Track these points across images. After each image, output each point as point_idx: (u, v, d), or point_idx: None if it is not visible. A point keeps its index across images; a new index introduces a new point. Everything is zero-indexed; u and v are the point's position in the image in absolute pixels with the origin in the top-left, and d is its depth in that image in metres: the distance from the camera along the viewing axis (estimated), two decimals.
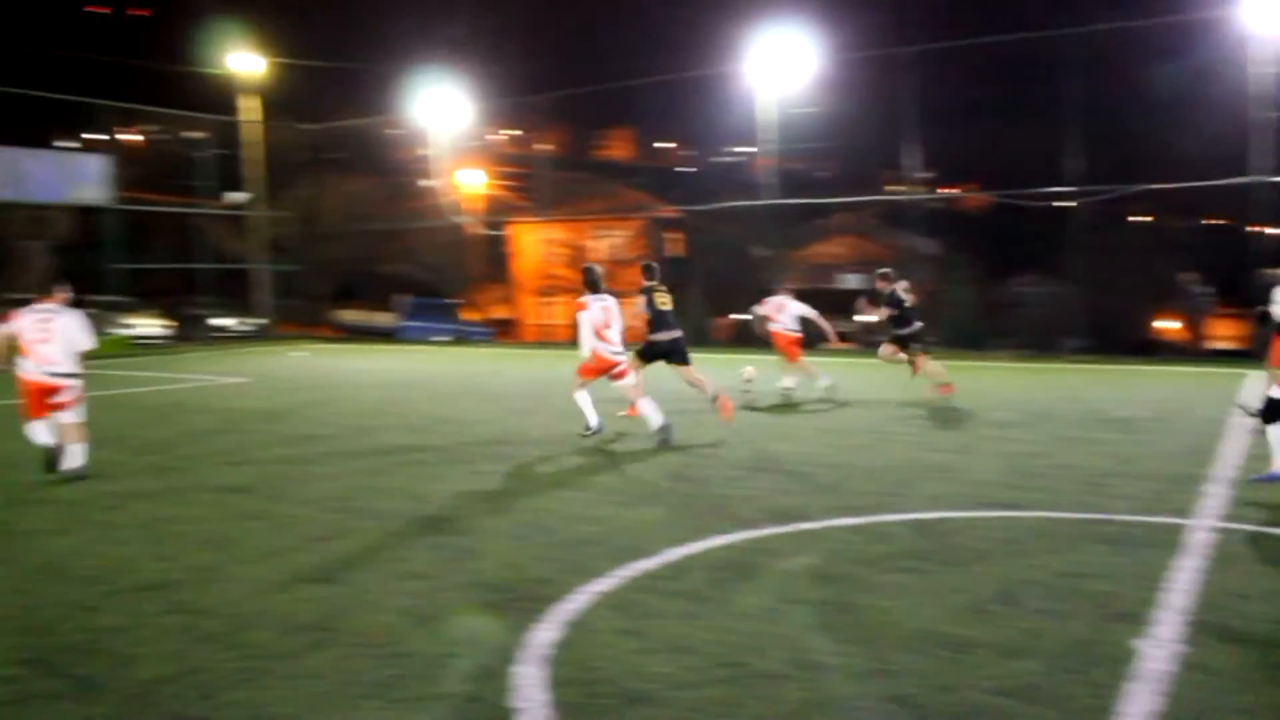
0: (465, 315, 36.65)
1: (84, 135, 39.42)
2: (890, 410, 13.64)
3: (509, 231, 38.10)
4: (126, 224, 33.29)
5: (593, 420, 11.40)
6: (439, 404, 15.30)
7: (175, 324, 34.14)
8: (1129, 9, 25.12)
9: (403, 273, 36.87)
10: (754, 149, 31.49)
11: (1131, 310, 26.29)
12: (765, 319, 16.19)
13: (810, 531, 7.15)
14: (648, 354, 12.39)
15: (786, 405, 14.37)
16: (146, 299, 34.99)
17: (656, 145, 60.08)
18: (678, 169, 56.87)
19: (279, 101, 39.46)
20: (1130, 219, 32.39)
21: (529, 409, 14.48)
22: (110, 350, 28.82)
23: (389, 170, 39.44)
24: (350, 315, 38.79)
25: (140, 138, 55.96)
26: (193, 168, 36.97)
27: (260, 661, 4.83)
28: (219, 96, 38.48)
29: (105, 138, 34.36)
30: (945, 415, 13.11)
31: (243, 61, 35.91)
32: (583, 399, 11.47)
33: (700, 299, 33.86)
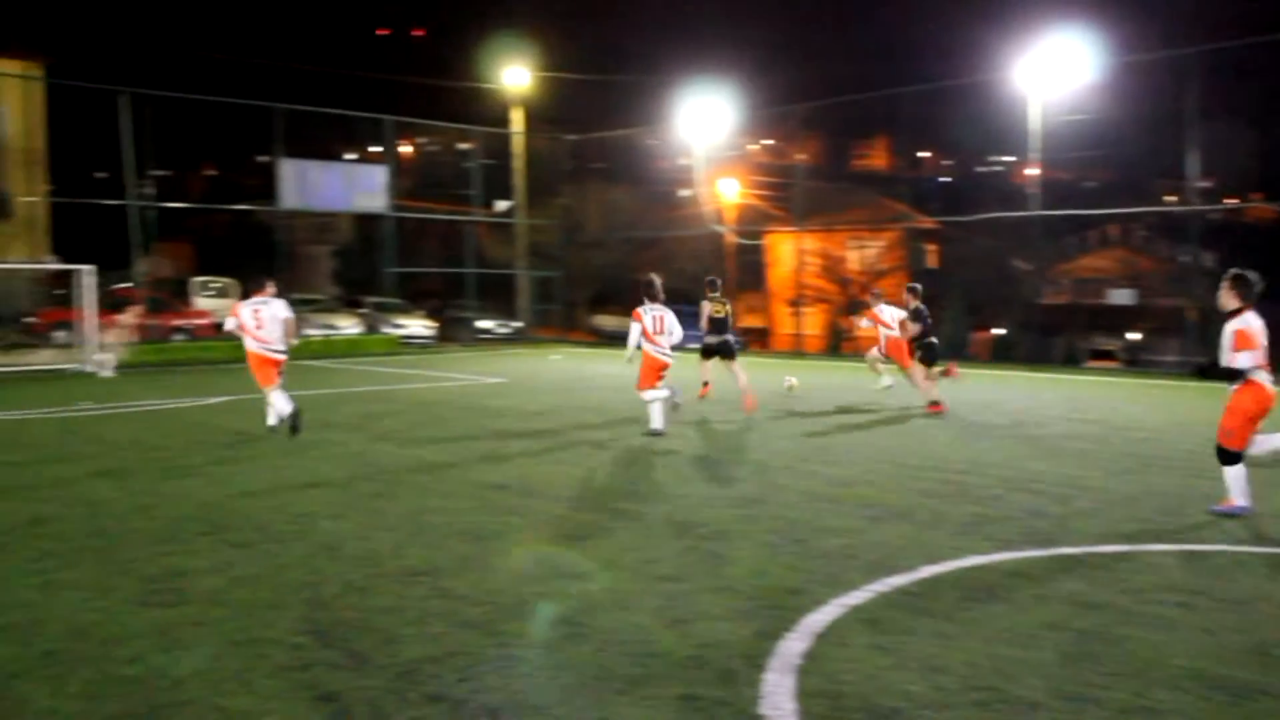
0: None
1: (368, 148, 41.99)
2: (1158, 436, 12.88)
3: (765, 241, 38.13)
4: (400, 230, 35.24)
5: (656, 422, 12.56)
6: (688, 411, 15.46)
7: (438, 325, 35.94)
8: None
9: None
10: (1014, 157, 30.38)
11: None
12: (878, 325, 16.82)
13: (1070, 556, 6.84)
14: (704, 352, 15.54)
15: (1042, 424, 13.78)
16: (413, 300, 37.01)
17: (914, 154, 58.85)
18: (937, 179, 55.48)
19: (543, 112, 40.95)
20: None
21: (778, 418, 14.46)
22: (381, 348, 30.65)
23: (649, 179, 40.17)
24: (605, 320, 39.75)
25: (411, 149, 59.14)
26: (462, 177, 38.83)
27: (517, 650, 5.03)
28: (485, 108, 40.30)
29: (380, 149, 36.43)
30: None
31: (512, 75, 37.46)
32: (655, 408, 12.59)
33: (959, 313, 32.92)
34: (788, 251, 35.36)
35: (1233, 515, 7.99)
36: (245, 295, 12.95)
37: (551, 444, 11.98)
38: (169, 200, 34.35)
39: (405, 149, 55.70)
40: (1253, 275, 7.93)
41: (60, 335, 26.87)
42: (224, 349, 26.75)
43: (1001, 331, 32.76)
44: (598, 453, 11.29)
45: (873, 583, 6.15)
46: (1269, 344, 7.96)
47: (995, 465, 10.43)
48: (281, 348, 12.34)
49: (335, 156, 40.06)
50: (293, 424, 12.28)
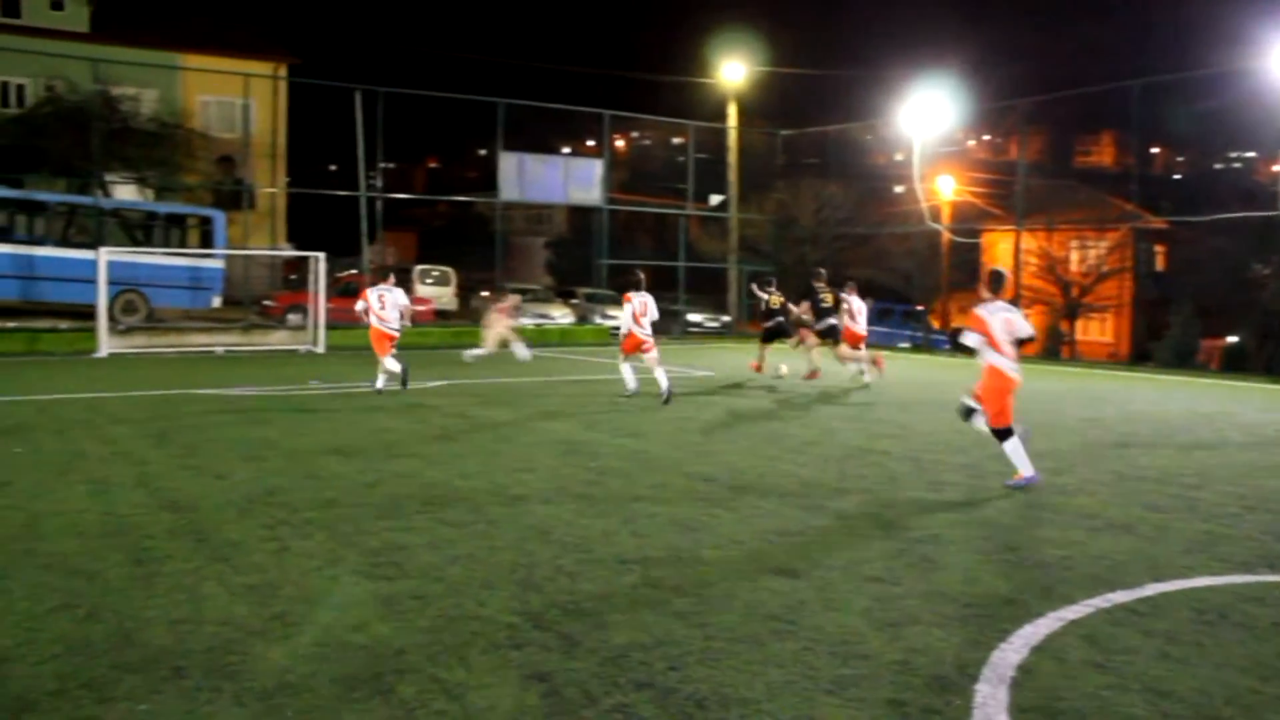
0: (931, 323, 36.17)
1: (585, 142, 42.87)
2: None
3: (983, 240, 37.05)
4: (614, 222, 35.77)
5: (630, 385, 15.75)
6: (896, 410, 15.19)
7: None
8: None
9: (870, 277, 36.88)
10: (1255, 153, 28.53)
11: None
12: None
13: None
14: (764, 336, 19.84)
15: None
16: (623, 292, 37.47)
17: (1144, 150, 56.21)
18: (1170, 176, 52.76)
19: (758, 107, 40.81)
20: None
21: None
22: (592, 338, 31.24)
23: (863, 175, 39.54)
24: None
25: (624, 143, 59.98)
26: (675, 171, 39.15)
27: (725, 643, 5.03)
28: (699, 102, 40.48)
29: (594, 143, 37.11)
30: None
31: (729, 70, 37.51)
32: (626, 369, 15.79)
33: (1187, 318, 31.21)
34: (1005, 251, 34.28)
35: (1026, 487, 9.09)
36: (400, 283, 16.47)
37: (759, 439, 11.96)
38: (394, 191, 35.91)
39: (618, 142, 56.52)
40: (1003, 270, 9.74)
41: (294, 318, 28.47)
42: (440, 335, 27.82)
43: (1234, 339, 30.92)
44: (806, 450, 11.20)
45: (1093, 597, 5.90)
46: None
47: (1228, 481, 9.83)
48: (396, 327, 15.48)
49: (551, 150, 41.03)
50: (403, 380, 15.54)
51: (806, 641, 5.08)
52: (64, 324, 25.43)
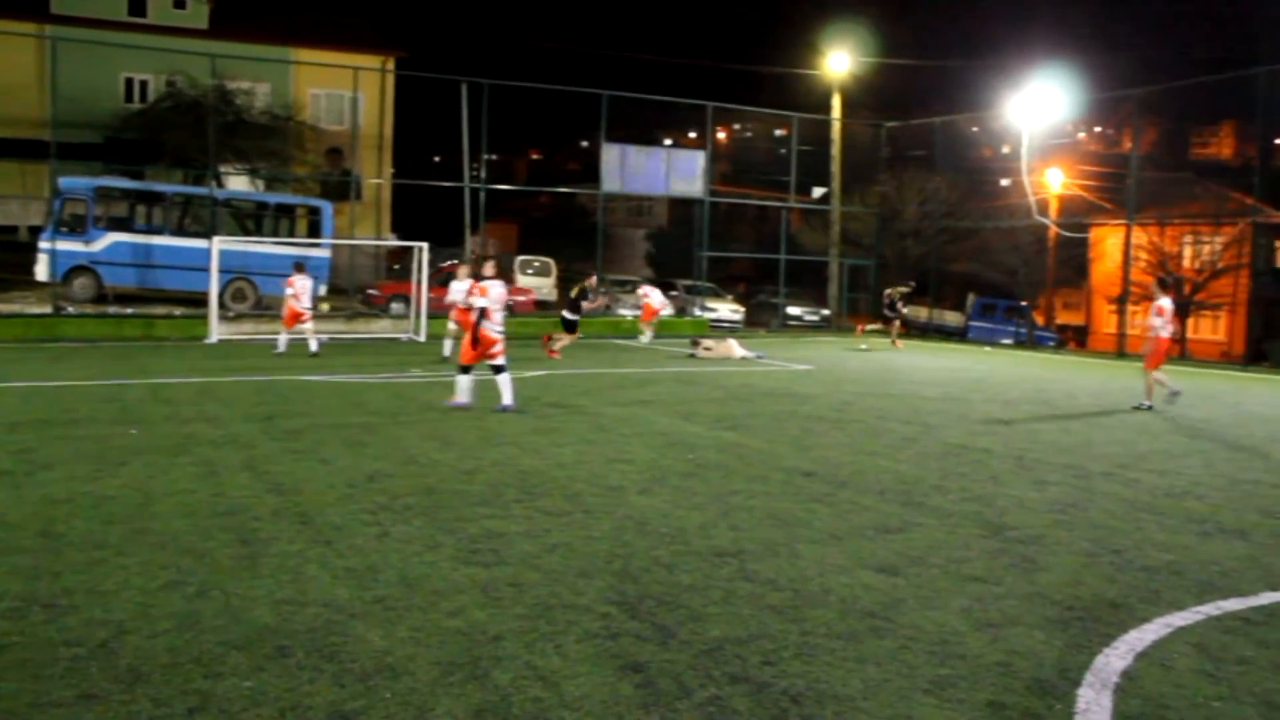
0: (1035, 319, 35.47)
1: (686, 134, 42.76)
2: None
3: (1092, 234, 36.13)
4: (715, 215, 35.65)
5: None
6: (997, 407, 14.92)
7: (745, 310, 36.19)
8: None
9: (974, 272, 36.20)
10: None
11: None
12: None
13: None
14: (571, 327, 21.49)
15: None
16: (722, 285, 37.33)
17: (1266, 142, 54.19)
18: None
19: (862, 98, 40.28)
20: None
21: (1098, 421, 13.70)
22: (692, 330, 31.16)
23: (968, 168, 38.80)
24: (918, 311, 38.78)
25: (724, 135, 59.67)
26: (777, 163, 38.86)
27: (821, 639, 4.99)
28: (800, 94, 40.10)
29: (695, 135, 37.00)
30: None
31: (833, 61, 37.13)
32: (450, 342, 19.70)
33: None
34: (1115, 245, 33.42)
35: (458, 408, 12.79)
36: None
37: (859, 434, 11.83)
38: (497, 183, 36.21)
39: (720, 134, 56.31)
40: (490, 262, 13.40)
41: (397, 307, 28.94)
42: (540, 325, 28.02)
43: None
44: (906, 446, 11.06)
45: (1203, 604, 5.73)
46: None
47: None
48: (308, 306, 20.00)
49: (653, 141, 41.03)
50: (280, 350, 20.01)
51: (904, 640, 5.01)
52: (178, 310, 26.21)
